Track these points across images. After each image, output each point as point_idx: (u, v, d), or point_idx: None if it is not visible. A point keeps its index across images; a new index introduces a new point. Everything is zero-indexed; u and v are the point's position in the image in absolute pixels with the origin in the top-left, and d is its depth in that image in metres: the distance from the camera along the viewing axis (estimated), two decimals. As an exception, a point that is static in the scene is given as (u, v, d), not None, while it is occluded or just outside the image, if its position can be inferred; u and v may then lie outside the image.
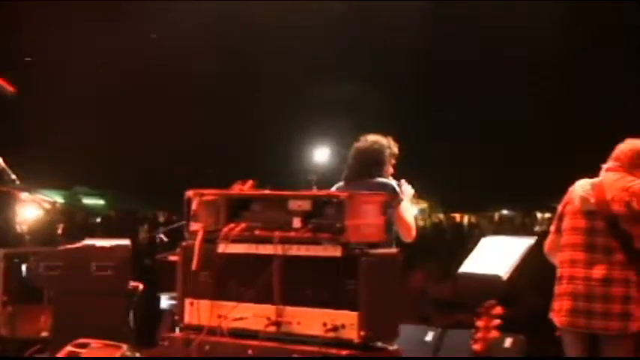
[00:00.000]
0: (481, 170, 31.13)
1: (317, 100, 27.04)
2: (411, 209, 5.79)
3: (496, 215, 34.23)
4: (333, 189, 5.59)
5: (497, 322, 3.89)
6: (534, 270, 10.08)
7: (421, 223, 30.67)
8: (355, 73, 27.13)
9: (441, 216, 32.46)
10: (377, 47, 26.65)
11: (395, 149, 5.80)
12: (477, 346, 3.91)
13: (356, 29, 25.84)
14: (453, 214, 33.28)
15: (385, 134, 5.91)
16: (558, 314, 4.99)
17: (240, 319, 4.15)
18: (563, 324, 4.97)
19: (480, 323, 3.89)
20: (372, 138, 5.82)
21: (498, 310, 3.91)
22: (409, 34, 24.95)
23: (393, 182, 5.70)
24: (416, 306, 9.37)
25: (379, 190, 5.08)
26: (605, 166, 5.10)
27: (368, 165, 5.71)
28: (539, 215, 31.94)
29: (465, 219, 33.09)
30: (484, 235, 7.30)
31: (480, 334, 3.90)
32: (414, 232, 5.66)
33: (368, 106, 26.62)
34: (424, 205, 33.71)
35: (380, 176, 5.68)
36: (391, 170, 5.80)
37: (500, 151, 29.97)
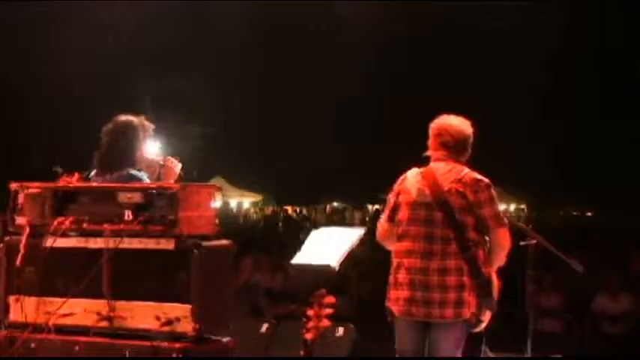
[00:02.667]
0: (315, 164, 31.68)
1: (145, 93, 26.64)
2: None
3: (328, 207, 34.82)
4: (90, 176, 4.97)
5: (327, 311, 3.94)
6: (364, 260, 10.42)
7: (254, 216, 30.88)
8: (183, 66, 27.04)
9: (274, 208, 32.67)
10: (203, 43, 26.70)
11: (149, 129, 5.01)
12: (308, 336, 3.96)
13: (187, 26, 25.79)
14: (285, 207, 33.58)
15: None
16: (396, 303, 5.03)
17: (70, 315, 4.06)
18: (400, 313, 5.01)
19: (310, 312, 3.94)
20: (119, 121, 4.98)
21: (329, 299, 3.98)
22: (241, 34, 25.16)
23: (144, 174, 4.91)
24: (249, 298, 9.41)
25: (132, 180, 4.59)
26: (432, 154, 5.15)
27: (110, 154, 4.85)
28: (369, 207, 32.78)
29: (297, 211, 33.47)
30: (316, 226, 7.41)
31: (310, 324, 3.95)
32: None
33: (194, 99, 26.52)
34: (257, 197, 33.88)
35: (125, 167, 4.84)
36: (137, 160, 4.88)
37: (330, 146, 30.59)
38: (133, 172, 4.83)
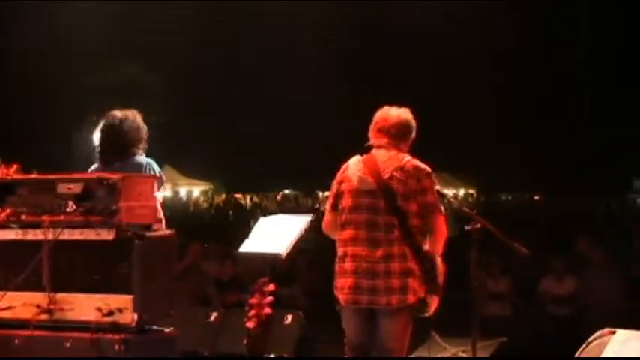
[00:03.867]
0: (264, 151, 31.61)
1: (91, 84, 26.38)
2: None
3: (279, 195, 34.77)
4: (90, 171, 5.26)
5: (269, 298, 3.93)
6: (312, 248, 10.43)
7: (204, 204, 30.70)
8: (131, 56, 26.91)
9: (224, 197, 32.51)
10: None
11: (142, 124, 5.42)
12: (250, 324, 3.95)
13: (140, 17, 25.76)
14: (236, 195, 33.45)
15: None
16: (341, 291, 5.04)
17: (8, 308, 4.00)
18: (346, 301, 5.03)
19: (252, 300, 3.93)
20: (120, 114, 5.36)
21: (271, 286, 3.96)
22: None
23: (151, 161, 5.34)
24: (198, 287, 9.37)
25: (138, 171, 4.94)
26: (374, 142, 5.18)
27: (123, 144, 5.26)
28: (320, 194, 32.79)
29: (248, 199, 33.38)
30: (268, 214, 7.40)
31: (253, 311, 3.93)
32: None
33: (144, 86, 26.33)
34: (207, 186, 33.69)
35: (135, 155, 5.29)
36: (145, 147, 5.42)
37: (278, 132, 30.60)
38: (141, 159, 5.19)
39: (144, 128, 5.38)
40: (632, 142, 28.41)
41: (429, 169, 5.07)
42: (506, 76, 30.62)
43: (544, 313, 9.28)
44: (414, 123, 5.27)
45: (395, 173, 5.00)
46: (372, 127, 5.25)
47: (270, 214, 6.55)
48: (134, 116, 5.36)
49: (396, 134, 5.17)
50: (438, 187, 5.19)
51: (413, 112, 5.33)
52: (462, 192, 33.47)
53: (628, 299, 8.64)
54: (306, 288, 10.12)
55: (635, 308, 8.13)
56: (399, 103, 5.36)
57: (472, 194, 34.31)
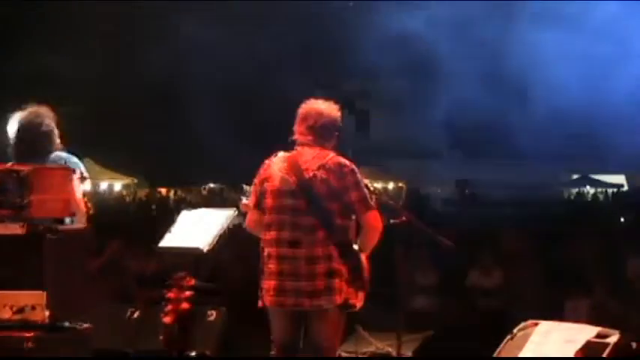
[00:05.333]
0: (189, 143, 31.36)
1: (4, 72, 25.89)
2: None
3: (204, 189, 34.50)
4: None
5: (188, 293, 3.90)
6: (238, 243, 10.38)
7: (127, 198, 30.30)
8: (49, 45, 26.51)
9: (148, 191, 32.12)
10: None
11: (53, 122, 5.29)
12: (167, 319, 3.91)
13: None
14: (159, 189, 33.09)
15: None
16: (267, 293, 5.04)
17: None
18: (272, 304, 5.03)
19: (170, 295, 3.88)
20: (34, 112, 5.25)
21: (191, 281, 3.93)
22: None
23: (70, 155, 5.21)
24: (118, 283, 9.25)
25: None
26: (298, 138, 5.15)
27: (38, 143, 5.11)
28: (247, 188, 32.61)
29: (172, 193, 33.05)
30: (193, 208, 7.33)
31: (170, 307, 3.89)
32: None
33: (60, 75, 25.94)
34: (130, 180, 33.26)
35: (52, 151, 5.15)
36: (60, 144, 5.29)
37: (204, 124, 30.42)
38: (60, 154, 5.00)
39: (55, 127, 5.27)
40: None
41: (352, 166, 5.07)
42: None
43: (472, 306, 9.44)
44: (340, 120, 5.26)
45: (317, 172, 5.00)
46: (298, 121, 5.22)
47: (195, 208, 6.50)
48: (47, 113, 5.27)
49: (323, 132, 5.16)
50: (367, 182, 5.21)
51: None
52: (391, 185, 33.78)
53: (551, 291, 8.84)
54: (232, 284, 10.06)
55: (557, 300, 8.33)
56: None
57: (402, 187, 34.64)
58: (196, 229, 5.98)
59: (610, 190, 35.03)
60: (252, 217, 5.25)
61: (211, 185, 35.01)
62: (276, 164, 5.14)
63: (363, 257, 5.09)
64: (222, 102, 29.85)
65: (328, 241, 4.96)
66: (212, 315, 7.28)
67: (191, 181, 34.37)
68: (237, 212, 5.99)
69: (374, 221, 5.06)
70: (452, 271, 9.87)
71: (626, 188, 35.66)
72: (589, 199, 31.89)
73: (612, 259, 9.29)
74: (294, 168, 5.05)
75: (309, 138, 5.14)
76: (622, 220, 16.79)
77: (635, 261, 8.66)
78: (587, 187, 36.59)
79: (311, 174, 5.00)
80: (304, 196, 4.99)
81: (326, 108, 5.23)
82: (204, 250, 5.71)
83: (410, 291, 9.16)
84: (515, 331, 5.29)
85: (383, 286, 6.21)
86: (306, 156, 5.08)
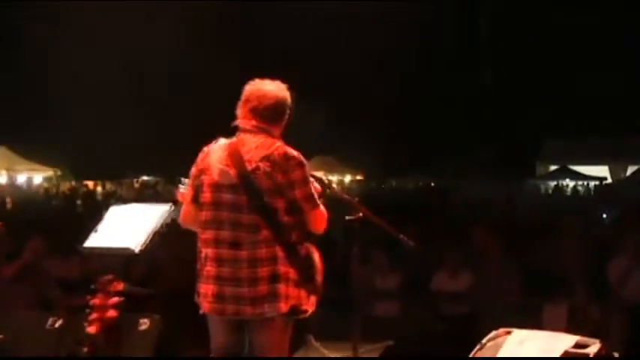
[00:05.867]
0: (119, 132, 31.14)
1: None
2: None
3: (136, 182, 34.33)
4: None
5: (115, 299, 3.84)
6: (175, 242, 10.32)
7: (48, 193, 30.00)
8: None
9: (72, 184, 31.87)
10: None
11: None
12: (91, 329, 3.85)
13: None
14: (86, 182, 32.82)
15: None
16: (204, 300, 4.96)
17: None
18: (210, 311, 4.95)
19: (94, 302, 3.81)
20: None
21: (117, 285, 3.87)
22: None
23: None
24: (38, 288, 9.14)
25: None
26: (240, 123, 5.02)
27: None
28: (185, 181, 32.48)
29: (100, 187, 32.82)
30: (125, 203, 7.25)
31: (95, 315, 3.82)
32: None
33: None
34: (52, 171, 32.93)
35: None
36: None
37: (137, 114, 30.29)
38: None
39: None
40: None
41: (300, 158, 4.95)
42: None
43: (437, 312, 9.47)
44: (289, 102, 5.14)
45: (261, 164, 4.88)
46: (241, 104, 5.09)
47: (126, 203, 6.44)
48: None
49: (269, 116, 5.04)
50: (320, 175, 5.16)
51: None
52: (347, 178, 33.85)
53: (527, 295, 8.90)
54: (167, 288, 10.01)
55: (533, 305, 8.39)
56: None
57: (360, 180, 34.77)
58: (127, 226, 5.91)
59: (592, 184, 35.55)
60: (187, 210, 5.15)
61: (144, 178, 34.85)
62: (215, 153, 5.03)
63: (317, 257, 5.03)
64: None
65: (273, 242, 4.87)
66: (144, 323, 7.21)
67: (122, 174, 34.20)
68: (173, 207, 5.93)
69: (320, 220, 5.01)
70: (415, 274, 9.89)
71: (609, 181, 36.23)
72: (568, 193, 32.36)
73: (593, 260, 9.39)
74: (234, 158, 4.94)
75: (253, 123, 5.01)
76: (604, 216, 17.05)
77: (618, 261, 8.75)
78: (567, 180, 37.06)
79: (254, 165, 4.88)
80: (246, 191, 4.88)
81: (273, 88, 5.10)
82: (136, 250, 5.65)
83: (368, 296, 9.18)
84: (484, 341, 5.28)
85: (338, 290, 6.23)
86: (248, 144, 4.96)
